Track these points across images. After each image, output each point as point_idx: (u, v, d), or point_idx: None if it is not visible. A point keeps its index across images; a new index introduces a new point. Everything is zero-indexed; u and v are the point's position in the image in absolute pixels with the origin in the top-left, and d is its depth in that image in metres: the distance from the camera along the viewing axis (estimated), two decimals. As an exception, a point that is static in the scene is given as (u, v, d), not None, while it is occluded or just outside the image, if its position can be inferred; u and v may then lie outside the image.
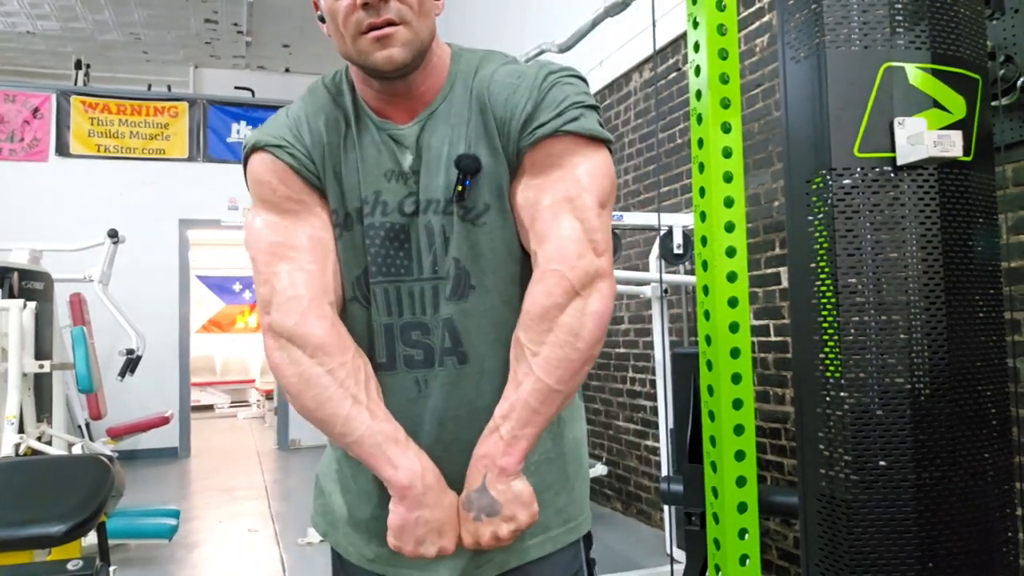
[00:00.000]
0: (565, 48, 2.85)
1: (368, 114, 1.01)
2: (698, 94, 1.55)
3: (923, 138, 1.30)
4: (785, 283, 2.98)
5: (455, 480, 0.95)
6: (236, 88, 8.46)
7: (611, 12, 2.42)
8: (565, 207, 0.93)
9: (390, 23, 0.91)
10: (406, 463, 0.93)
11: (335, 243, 1.01)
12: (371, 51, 0.92)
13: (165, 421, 5.98)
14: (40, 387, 3.97)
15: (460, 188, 0.96)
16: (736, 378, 1.50)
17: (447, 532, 0.94)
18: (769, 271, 3.06)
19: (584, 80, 1.02)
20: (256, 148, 1.01)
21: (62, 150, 6.90)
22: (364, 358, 0.99)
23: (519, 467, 0.93)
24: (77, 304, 5.58)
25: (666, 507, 3.52)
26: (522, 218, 0.97)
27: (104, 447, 5.12)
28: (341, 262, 1.01)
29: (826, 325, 1.37)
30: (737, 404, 1.49)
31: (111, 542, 2.76)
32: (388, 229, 0.99)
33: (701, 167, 1.54)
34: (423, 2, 0.95)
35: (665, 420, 3.40)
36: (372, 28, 0.91)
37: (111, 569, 1.88)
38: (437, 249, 0.98)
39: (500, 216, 0.98)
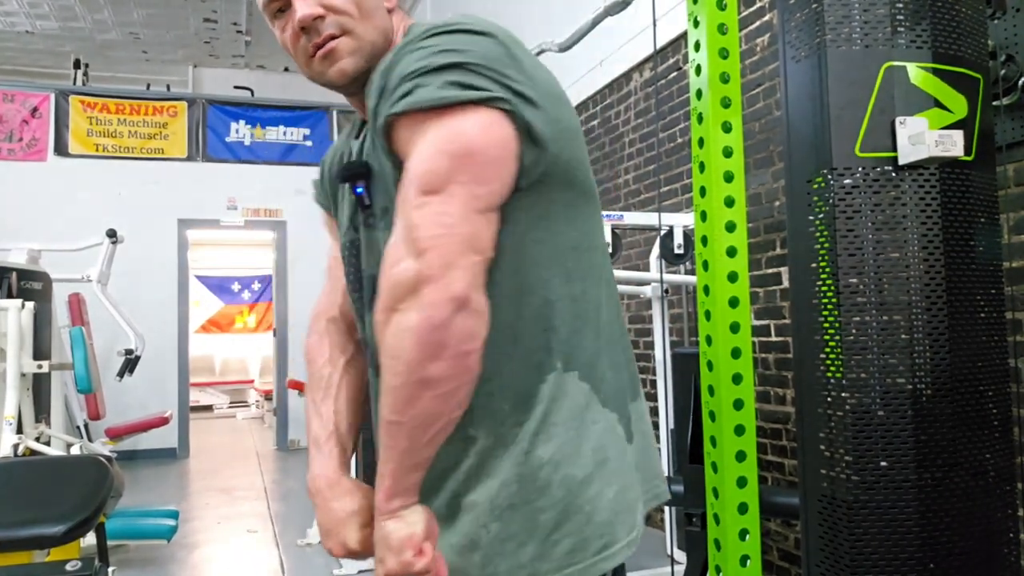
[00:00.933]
0: (565, 48, 2.84)
1: (344, 141, 1.05)
2: (699, 93, 1.55)
3: (924, 137, 1.30)
4: (786, 283, 2.98)
5: None
6: (235, 88, 8.46)
7: (611, 12, 2.42)
8: (399, 210, 0.81)
9: (332, 37, 0.91)
10: (312, 466, 0.99)
11: None
12: (324, 70, 0.93)
13: (164, 421, 5.98)
14: (39, 387, 3.96)
15: (354, 197, 0.93)
16: (737, 378, 1.49)
17: (331, 536, 0.96)
18: (770, 271, 3.06)
19: (463, 31, 0.83)
20: None
21: (61, 150, 6.90)
22: (335, 365, 1.06)
23: (389, 506, 0.83)
24: (76, 304, 5.57)
25: (666, 508, 3.51)
26: None
27: (103, 447, 5.11)
28: None
29: (827, 325, 1.37)
30: (738, 404, 1.49)
31: (110, 543, 2.75)
32: (349, 247, 0.99)
33: (702, 167, 1.53)
34: (359, 5, 0.93)
35: (665, 420, 3.39)
36: (318, 48, 0.92)
37: (110, 570, 1.88)
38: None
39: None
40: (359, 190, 0.91)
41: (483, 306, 0.80)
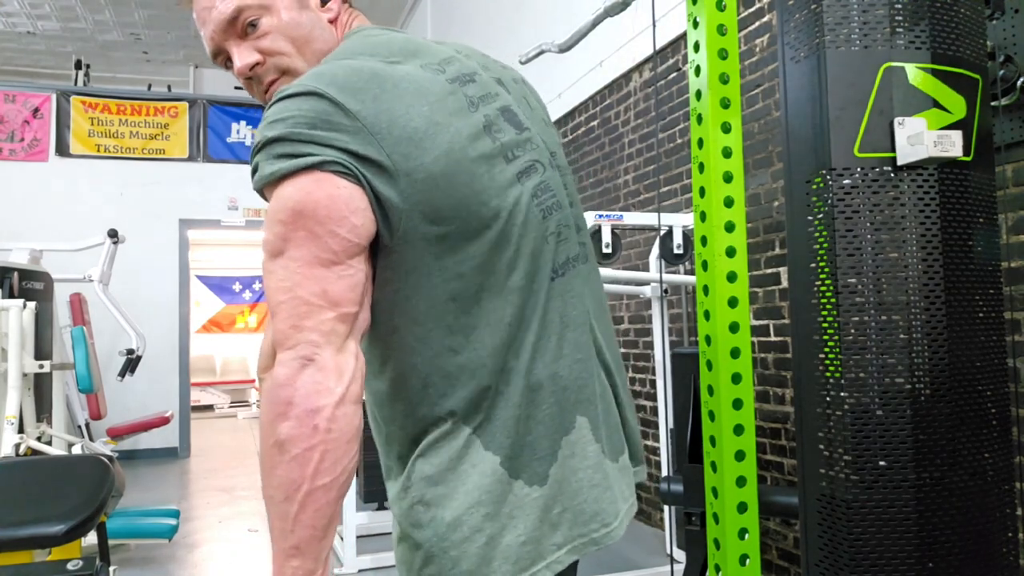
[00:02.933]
0: (565, 48, 2.85)
1: None
2: (698, 94, 1.55)
3: (923, 138, 1.30)
4: (785, 283, 2.98)
5: None
6: (236, 88, 8.46)
7: (611, 12, 2.42)
8: None
9: (273, 82, 0.96)
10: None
11: None
12: None
13: (165, 421, 5.99)
14: (40, 387, 3.97)
15: None
16: (736, 378, 1.50)
17: None
18: (769, 271, 3.06)
19: (290, 96, 0.83)
20: None
21: (62, 150, 6.90)
22: None
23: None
24: (77, 304, 5.58)
25: (666, 507, 3.52)
26: None
27: (104, 447, 5.12)
28: None
29: (826, 325, 1.37)
30: (737, 404, 1.49)
31: (111, 542, 2.76)
32: None
33: (701, 167, 1.54)
34: (294, 39, 0.97)
35: (665, 420, 3.40)
36: (265, 93, 0.97)
37: (111, 569, 1.88)
38: None
39: None
40: None
41: (338, 362, 0.78)
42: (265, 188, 0.83)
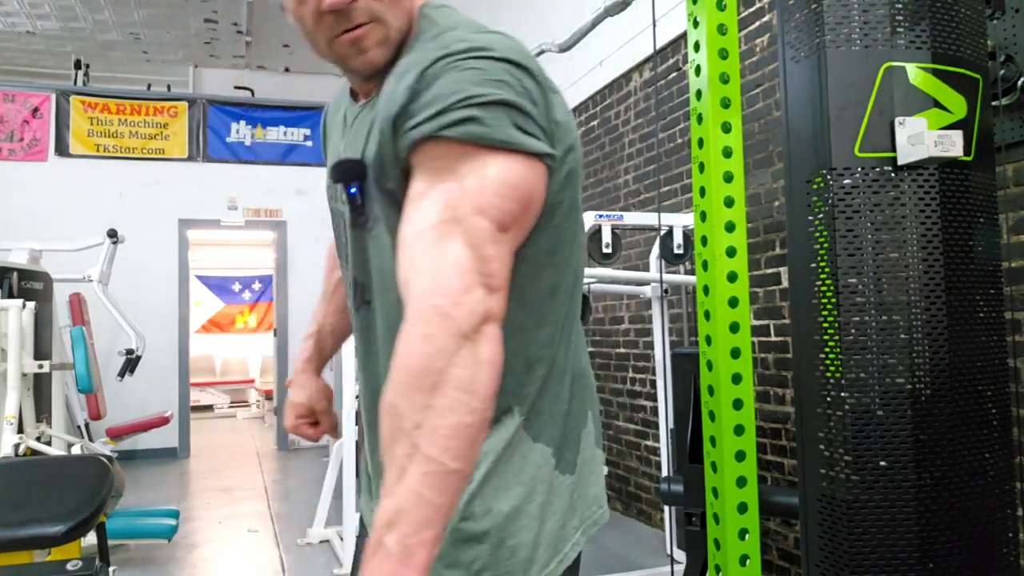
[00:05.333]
0: (565, 48, 2.85)
1: (347, 96, 0.99)
2: (698, 94, 1.55)
3: (923, 138, 1.30)
4: (785, 283, 2.98)
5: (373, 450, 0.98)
6: (236, 88, 8.46)
7: (611, 12, 2.42)
8: (454, 230, 0.73)
9: (360, 24, 0.86)
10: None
11: None
12: (348, 55, 0.88)
13: (165, 421, 5.99)
14: (39, 387, 3.97)
15: (347, 197, 0.89)
16: (736, 378, 1.50)
17: (284, 413, 1.17)
18: (769, 271, 3.06)
19: (509, 61, 0.78)
20: None
21: (62, 150, 6.90)
22: (335, 274, 1.21)
23: None
24: (76, 304, 5.58)
25: (666, 507, 3.52)
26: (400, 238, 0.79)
27: (104, 447, 5.12)
28: None
29: (826, 325, 1.37)
30: (737, 404, 1.49)
31: (111, 542, 2.76)
32: (334, 214, 0.99)
33: (701, 167, 1.54)
34: None
35: (665, 420, 3.40)
36: (345, 31, 0.86)
37: (111, 569, 1.88)
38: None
39: (387, 231, 0.85)
40: (353, 191, 0.88)
41: None
42: (468, 142, 0.76)
